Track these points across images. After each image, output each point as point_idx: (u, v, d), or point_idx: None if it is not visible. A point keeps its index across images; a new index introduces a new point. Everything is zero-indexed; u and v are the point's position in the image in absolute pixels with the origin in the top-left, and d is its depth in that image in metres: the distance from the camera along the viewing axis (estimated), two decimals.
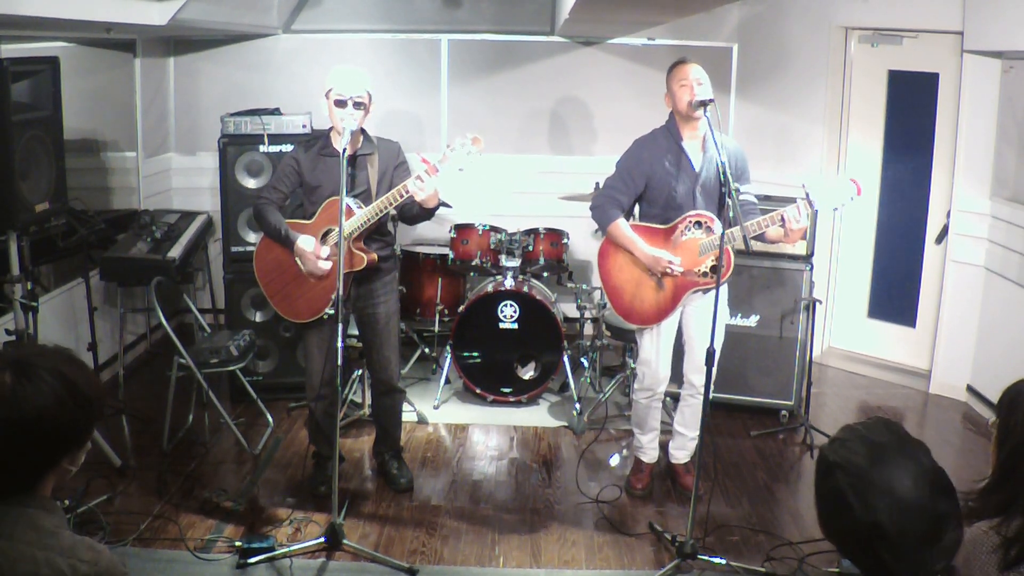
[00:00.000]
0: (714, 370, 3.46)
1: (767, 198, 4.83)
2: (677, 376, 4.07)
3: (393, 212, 3.74)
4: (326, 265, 3.71)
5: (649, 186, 3.79)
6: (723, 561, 3.43)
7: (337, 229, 3.55)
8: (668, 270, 3.71)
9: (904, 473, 1.47)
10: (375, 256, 3.73)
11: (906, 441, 1.53)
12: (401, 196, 3.56)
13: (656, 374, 3.91)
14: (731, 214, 3.43)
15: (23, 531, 1.56)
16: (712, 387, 3.57)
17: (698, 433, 3.96)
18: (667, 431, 4.22)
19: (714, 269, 3.71)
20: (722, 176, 3.53)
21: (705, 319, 3.81)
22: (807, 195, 3.48)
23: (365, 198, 3.71)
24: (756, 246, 3.55)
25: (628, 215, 3.90)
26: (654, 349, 3.89)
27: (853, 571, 3.52)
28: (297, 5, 5.90)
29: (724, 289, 3.89)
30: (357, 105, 3.62)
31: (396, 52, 6.04)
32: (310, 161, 3.77)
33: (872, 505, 1.46)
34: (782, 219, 3.52)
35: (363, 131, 3.78)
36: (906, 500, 1.46)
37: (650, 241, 3.77)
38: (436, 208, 3.72)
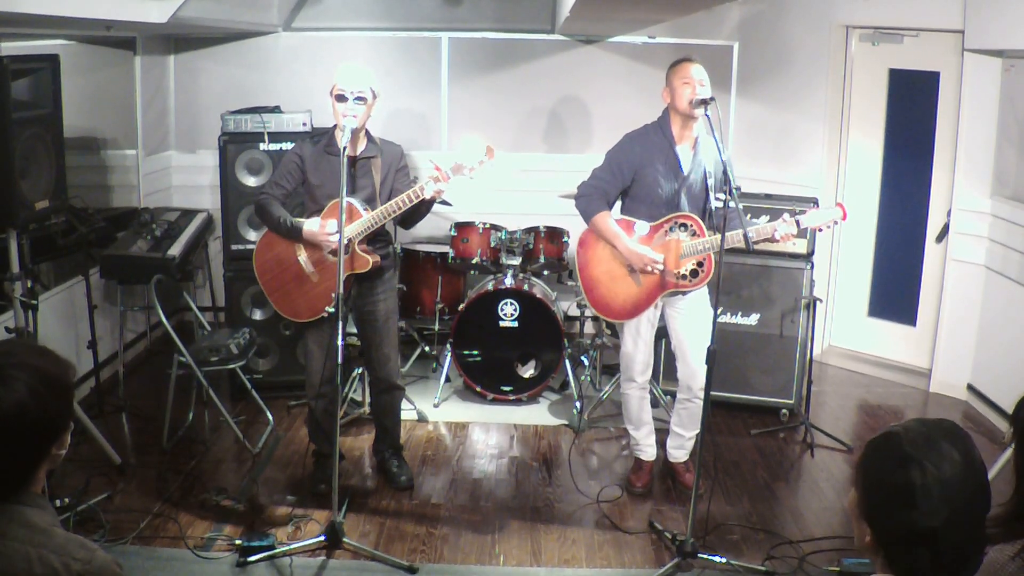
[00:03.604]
0: (704, 368, 3.47)
1: (767, 196, 4.86)
2: (676, 374, 4.07)
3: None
4: (335, 238, 3.68)
5: (636, 181, 3.79)
6: (723, 560, 3.43)
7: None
8: (650, 268, 3.71)
9: (975, 483, 1.47)
10: (379, 258, 3.74)
11: (976, 457, 1.51)
12: (412, 200, 3.57)
13: (637, 364, 3.92)
14: (725, 209, 3.42)
15: (16, 529, 1.55)
16: (706, 386, 3.58)
17: (695, 433, 3.99)
18: (663, 428, 4.22)
19: (694, 273, 3.72)
20: (722, 176, 3.54)
21: (692, 324, 3.83)
22: (796, 221, 3.58)
23: (369, 201, 3.71)
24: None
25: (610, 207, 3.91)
26: (632, 340, 3.91)
27: (854, 570, 3.52)
28: (297, 3, 5.89)
29: (704, 289, 3.90)
30: (358, 99, 3.61)
31: (396, 50, 6.03)
32: (313, 158, 3.77)
33: (936, 511, 1.44)
34: (773, 234, 3.61)
35: (367, 133, 3.78)
36: (969, 511, 1.46)
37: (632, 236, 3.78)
38: (434, 202, 3.73)
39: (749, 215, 4.64)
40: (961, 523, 1.45)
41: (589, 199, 3.82)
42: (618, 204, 3.94)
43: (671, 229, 3.73)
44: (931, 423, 1.54)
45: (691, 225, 3.71)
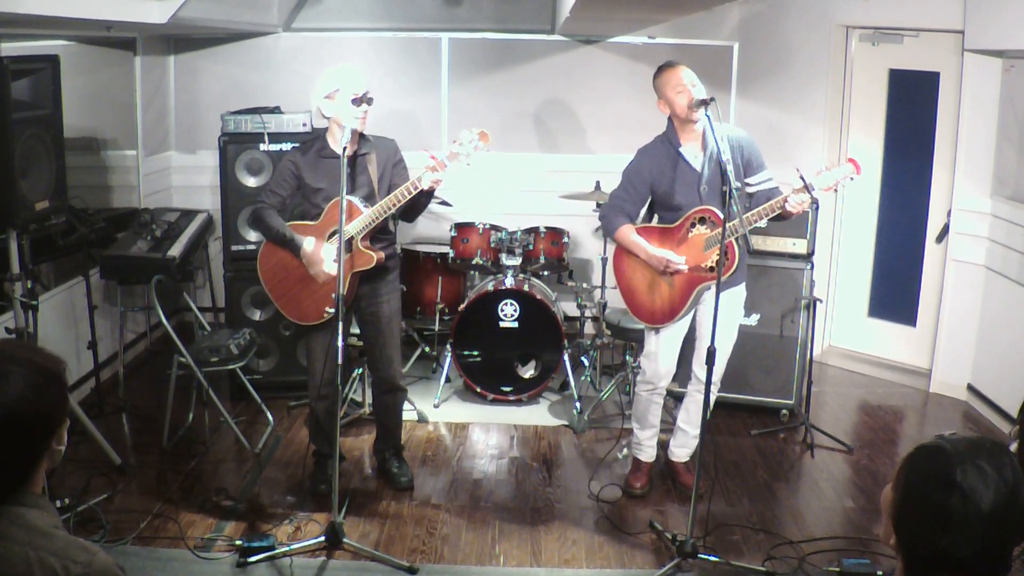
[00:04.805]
0: (723, 368, 3.46)
1: (768, 197, 4.84)
2: (681, 374, 4.07)
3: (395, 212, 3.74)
4: (332, 269, 3.70)
5: (655, 192, 3.83)
6: (723, 560, 3.43)
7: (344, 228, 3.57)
8: (673, 268, 3.72)
9: (1013, 523, 1.43)
10: (383, 255, 3.74)
11: (1020, 486, 1.46)
12: (410, 192, 3.57)
13: (658, 368, 3.92)
14: (735, 207, 3.42)
15: (16, 531, 1.55)
16: (718, 384, 3.57)
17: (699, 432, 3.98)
18: (667, 430, 4.22)
19: (721, 263, 3.71)
20: (735, 161, 3.55)
21: (720, 316, 3.81)
22: (803, 179, 3.52)
23: (368, 198, 3.71)
24: (758, 244, 3.57)
25: (648, 221, 3.93)
26: (658, 343, 3.90)
27: (854, 571, 3.51)
28: (297, 3, 5.90)
29: (742, 290, 3.90)
30: (370, 101, 3.62)
31: (396, 50, 6.03)
32: (309, 163, 3.76)
33: (969, 543, 1.41)
34: (783, 206, 3.56)
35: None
36: (997, 542, 1.43)
37: (657, 242, 3.79)
38: (433, 192, 3.72)
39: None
40: (991, 554, 1.42)
41: (608, 218, 3.89)
42: (656, 218, 3.96)
43: (692, 226, 3.75)
44: (984, 446, 1.47)
45: (709, 217, 3.73)
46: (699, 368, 3.92)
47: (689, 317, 3.90)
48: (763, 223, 3.65)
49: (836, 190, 3.67)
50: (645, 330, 3.98)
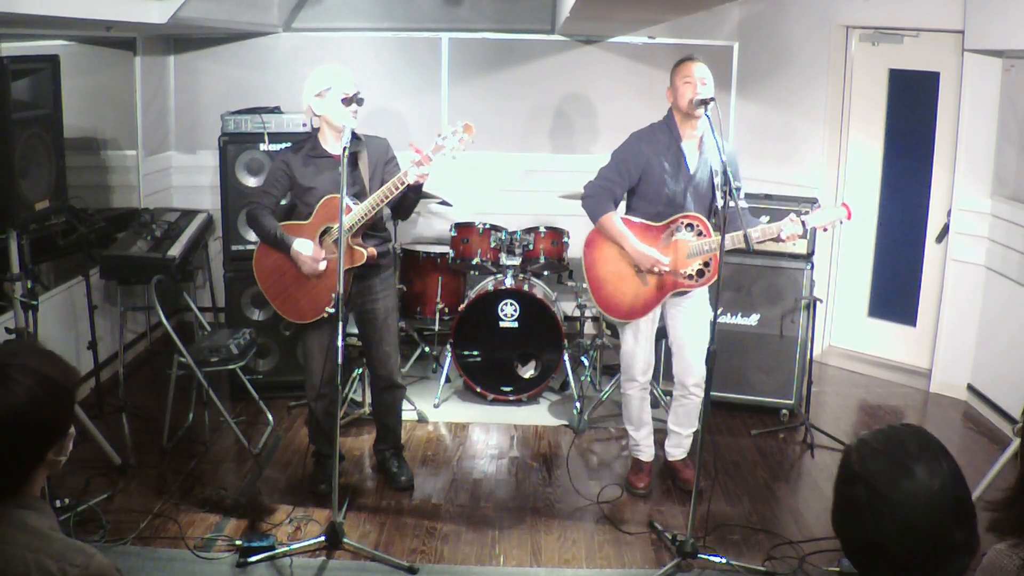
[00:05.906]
0: (702, 367, 3.49)
1: (767, 197, 4.86)
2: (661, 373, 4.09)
3: (387, 208, 3.75)
4: (323, 266, 3.72)
5: (642, 180, 3.79)
6: (723, 560, 3.43)
7: (335, 226, 3.57)
8: (656, 269, 3.72)
9: (924, 496, 1.42)
10: (374, 251, 3.75)
11: (937, 459, 1.46)
12: (397, 188, 3.58)
13: (639, 363, 3.93)
14: (724, 210, 3.44)
15: (13, 533, 1.54)
16: (707, 387, 3.58)
17: (693, 431, 4.02)
18: (662, 429, 4.22)
19: (700, 273, 3.73)
20: (722, 176, 3.54)
21: (691, 321, 3.85)
22: (802, 222, 3.61)
23: (359, 196, 3.72)
24: (757, 244, 3.60)
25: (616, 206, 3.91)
26: (634, 339, 3.91)
27: (853, 571, 3.51)
28: (297, 3, 5.89)
29: (704, 288, 3.91)
30: (360, 101, 3.63)
31: (396, 50, 6.03)
32: (300, 163, 3.77)
33: (884, 526, 1.42)
34: (778, 234, 3.63)
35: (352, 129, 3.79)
36: (918, 525, 1.42)
37: (640, 237, 3.78)
38: (422, 187, 3.72)
39: (767, 218, 4.64)
40: (919, 536, 1.42)
41: (596, 199, 3.81)
42: (624, 202, 3.94)
43: (677, 229, 3.75)
44: (894, 436, 1.50)
45: (697, 225, 3.73)
46: (684, 376, 3.93)
47: (656, 313, 3.90)
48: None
49: (826, 229, 3.79)
50: (619, 328, 3.97)
